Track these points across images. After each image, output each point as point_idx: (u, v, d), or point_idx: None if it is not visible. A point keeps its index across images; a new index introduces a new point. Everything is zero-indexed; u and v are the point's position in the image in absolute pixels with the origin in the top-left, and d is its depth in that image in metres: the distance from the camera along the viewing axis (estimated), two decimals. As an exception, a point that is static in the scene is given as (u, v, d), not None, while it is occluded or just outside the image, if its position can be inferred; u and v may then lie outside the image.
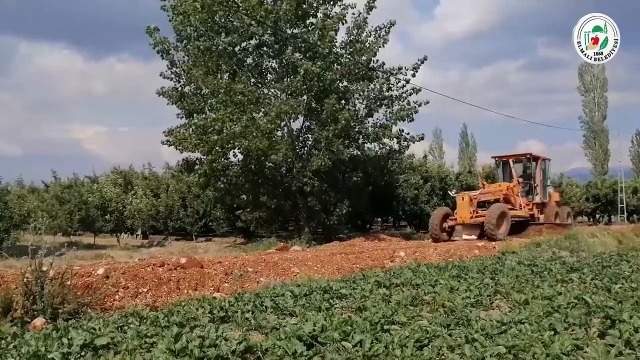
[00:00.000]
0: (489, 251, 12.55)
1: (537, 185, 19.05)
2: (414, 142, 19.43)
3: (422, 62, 18.61)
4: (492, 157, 21.14)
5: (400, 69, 18.46)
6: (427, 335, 4.02)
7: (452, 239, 16.65)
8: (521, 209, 17.96)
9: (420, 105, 18.49)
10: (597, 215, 38.00)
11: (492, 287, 6.34)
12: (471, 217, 15.90)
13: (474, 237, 15.81)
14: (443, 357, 3.69)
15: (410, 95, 18.65)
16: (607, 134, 52.54)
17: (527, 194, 18.84)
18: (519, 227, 17.81)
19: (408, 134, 19.14)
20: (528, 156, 19.17)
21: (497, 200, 17.09)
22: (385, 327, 4.32)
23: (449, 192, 17.20)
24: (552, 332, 4.06)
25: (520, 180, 18.32)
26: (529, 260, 9.47)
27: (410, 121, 18.47)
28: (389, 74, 18.45)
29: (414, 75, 18.48)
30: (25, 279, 5.41)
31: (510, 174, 18.97)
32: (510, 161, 19.41)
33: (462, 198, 16.20)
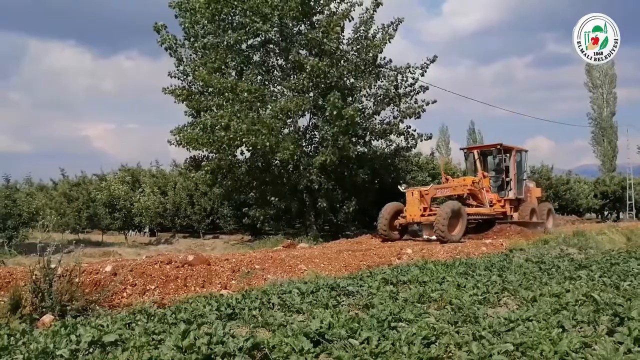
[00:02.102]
0: (497, 248, 12.52)
1: (510, 180, 17.11)
2: (421, 141, 19.38)
3: (432, 62, 18.55)
4: (461, 149, 19.62)
5: (408, 67, 18.41)
6: (435, 333, 4.02)
7: (403, 238, 15.19)
8: (491, 205, 16.26)
9: (427, 104, 18.47)
10: (606, 212, 37.82)
11: (499, 284, 6.32)
12: (422, 215, 14.20)
13: (434, 237, 14.06)
14: (450, 354, 3.68)
15: (417, 93, 18.63)
16: (615, 131, 52.15)
17: (500, 189, 17.10)
18: (486, 227, 16.39)
19: (415, 130, 19.11)
20: (498, 147, 17.31)
21: (460, 197, 15.73)
22: (393, 324, 4.32)
23: (399, 186, 15.06)
24: (560, 330, 4.05)
25: (486, 174, 16.73)
26: (537, 257, 9.45)
27: (417, 118, 18.46)
28: (397, 72, 18.41)
29: (422, 75, 18.46)
30: (34, 276, 5.44)
31: (478, 167, 17.35)
32: (475, 152, 17.82)
33: (412, 194, 14.40)
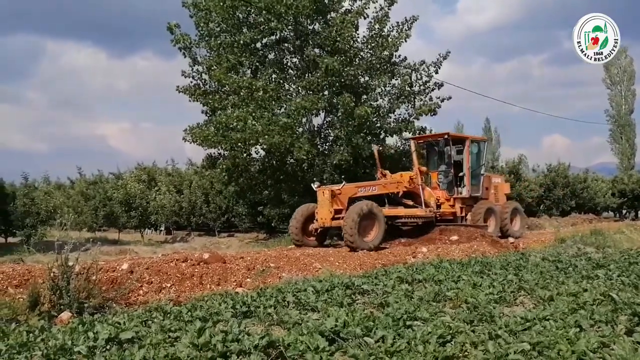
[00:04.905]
0: (513, 247, 12.43)
1: (463, 175, 14.89)
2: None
3: (445, 58, 18.52)
4: (406, 139, 17.82)
5: (422, 63, 18.37)
6: (450, 331, 4.00)
7: (324, 243, 13.31)
8: (439, 205, 14.39)
9: (442, 100, 18.40)
10: (624, 211, 37.42)
11: (515, 283, 6.27)
12: (333, 219, 12.12)
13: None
14: (466, 353, 3.67)
15: (432, 90, 18.58)
16: (634, 128, 51.49)
17: (450, 186, 14.89)
18: (426, 231, 13.97)
19: (431, 130, 19.03)
20: (446, 137, 15.00)
21: (396, 195, 13.94)
22: (408, 323, 4.31)
23: (312, 184, 13.14)
24: (578, 329, 4.00)
25: (423, 169, 14.73)
26: (554, 256, 9.35)
27: (433, 115, 18.37)
28: (411, 69, 18.36)
29: (436, 72, 18.40)
30: (52, 274, 5.51)
31: (415, 161, 14.89)
32: (413, 143, 15.47)
33: (323, 193, 12.29)
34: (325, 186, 12.80)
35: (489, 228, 14.54)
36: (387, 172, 14.54)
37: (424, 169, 14.74)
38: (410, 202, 14.08)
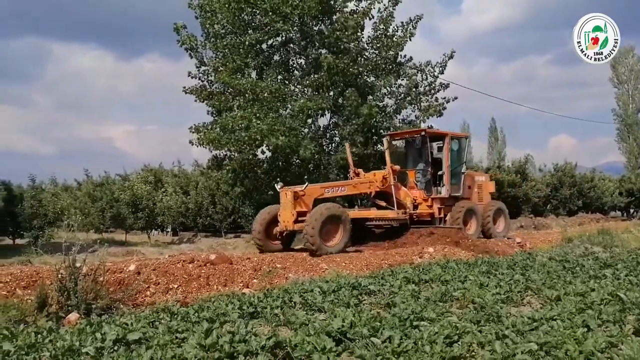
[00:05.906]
0: (521, 247, 12.39)
1: (442, 174, 14.00)
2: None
3: (451, 58, 18.51)
4: (382, 136, 16.54)
5: (428, 64, 18.37)
6: (457, 332, 3.99)
7: (292, 247, 12.42)
8: (415, 206, 13.61)
9: (448, 101, 18.38)
10: (631, 210, 37.25)
11: (522, 283, 6.26)
12: (295, 222, 11.23)
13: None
14: (473, 353, 3.66)
15: (438, 91, 18.57)
16: (641, 127, 51.22)
17: (428, 185, 14.09)
18: (398, 234, 13.05)
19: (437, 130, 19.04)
20: (422, 133, 14.13)
21: (368, 196, 13.31)
22: (415, 323, 4.30)
23: (275, 185, 12.36)
24: (585, 329, 3.99)
25: (397, 167, 13.56)
26: (561, 256, 9.32)
27: (439, 116, 18.37)
28: (416, 69, 18.35)
29: (442, 72, 18.39)
30: (59, 275, 5.54)
31: (387, 159, 13.51)
32: (385, 140, 14.35)
33: (285, 194, 11.44)
34: (288, 187, 11.87)
35: (470, 230, 13.78)
36: (361, 170, 13.61)
37: (397, 167, 13.66)
38: (384, 203, 13.25)
